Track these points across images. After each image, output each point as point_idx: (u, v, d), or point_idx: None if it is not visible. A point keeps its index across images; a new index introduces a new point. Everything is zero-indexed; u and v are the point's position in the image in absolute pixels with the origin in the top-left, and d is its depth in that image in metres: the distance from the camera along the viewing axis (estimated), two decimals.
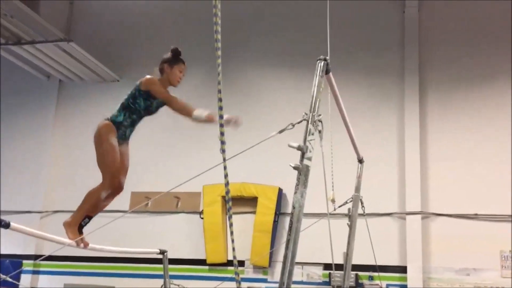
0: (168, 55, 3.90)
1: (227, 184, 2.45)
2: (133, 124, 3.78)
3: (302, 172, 2.72)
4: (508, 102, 8.07)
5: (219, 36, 2.48)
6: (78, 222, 3.58)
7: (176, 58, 3.89)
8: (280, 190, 8.51)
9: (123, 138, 3.76)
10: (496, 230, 7.60)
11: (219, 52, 2.49)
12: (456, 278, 7.66)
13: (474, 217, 7.69)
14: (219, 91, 2.45)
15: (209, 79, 9.06)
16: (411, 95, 8.34)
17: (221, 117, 2.46)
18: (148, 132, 7.80)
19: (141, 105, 3.75)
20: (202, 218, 8.71)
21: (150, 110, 3.82)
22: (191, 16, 9.71)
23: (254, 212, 8.56)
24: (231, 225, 2.51)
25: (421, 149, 8.09)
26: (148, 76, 3.78)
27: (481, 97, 8.23)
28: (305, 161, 2.75)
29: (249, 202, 8.60)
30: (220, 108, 2.44)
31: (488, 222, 7.67)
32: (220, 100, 2.45)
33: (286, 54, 9.25)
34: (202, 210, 8.75)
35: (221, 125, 2.45)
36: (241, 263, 8.27)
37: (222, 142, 2.47)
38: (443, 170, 8.06)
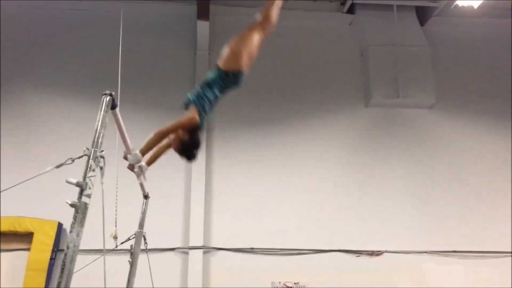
0: None
1: None
2: None
3: (80, 209, 2.62)
4: (283, 145, 8.93)
5: None
6: None
7: None
8: (60, 225, 7.97)
9: None
10: (269, 263, 8.25)
11: None
12: None
13: (250, 250, 8.23)
14: None
15: None
16: None
17: None
18: None
19: None
20: None
21: None
22: None
23: (29, 249, 7.85)
24: None
25: (206, 185, 8.42)
26: None
27: (260, 139, 8.94)
28: (84, 198, 2.66)
29: (25, 238, 7.86)
30: None
31: (262, 255, 8.28)
32: None
33: (75, 82, 8.87)
34: None
35: None
36: None
37: None
38: (225, 206, 8.50)
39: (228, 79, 3.99)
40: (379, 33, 9.46)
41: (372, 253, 8.44)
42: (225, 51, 4.06)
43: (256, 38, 4.13)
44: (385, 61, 9.23)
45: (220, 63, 4.02)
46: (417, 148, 9.12)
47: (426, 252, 8.49)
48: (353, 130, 9.15)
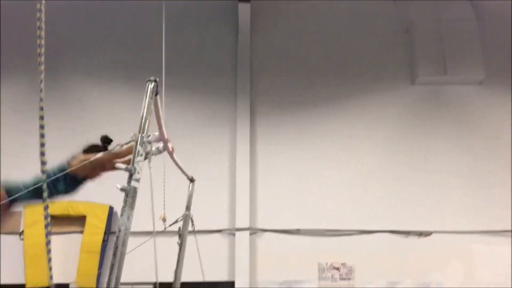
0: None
1: (46, 207, 2.28)
2: None
3: (130, 194, 2.67)
4: (327, 126, 8.86)
5: (43, 41, 2.30)
6: None
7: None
8: (111, 208, 8.22)
9: None
10: (316, 244, 8.25)
11: (43, 58, 2.30)
12: None
13: (296, 232, 8.26)
14: (41, 99, 2.22)
15: (31, 88, 8.49)
16: (242, 116, 8.71)
17: (42, 135, 2.23)
18: None
19: None
20: (22, 240, 8.05)
21: None
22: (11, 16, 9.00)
23: (82, 232, 8.14)
24: (48, 250, 2.33)
25: (251, 168, 8.48)
26: None
27: (304, 121, 8.90)
28: (133, 183, 2.71)
29: (77, 221, 8.16)
30: (41, 118, 2.19)
31: (308, 236, 8.29)
32: (41, 108, 2.21)
33: (120, 68, 9.05)
34: (23, 230, 8.08)
35: (42, 145, 2.24)
36: (66, 286, 7.82)
37: (43, 163, 2.25)
38: (270, 187, 8.54)
39: None
40: (424, 8, 9.18)
41: (420, 234, 8.31)
42: None
43: None
44: (431, 37, 8.98)
45: None
46: (466, 126, 8.87)
47: (475, 232, 8.29)
48: (399, 109, 8.98)
